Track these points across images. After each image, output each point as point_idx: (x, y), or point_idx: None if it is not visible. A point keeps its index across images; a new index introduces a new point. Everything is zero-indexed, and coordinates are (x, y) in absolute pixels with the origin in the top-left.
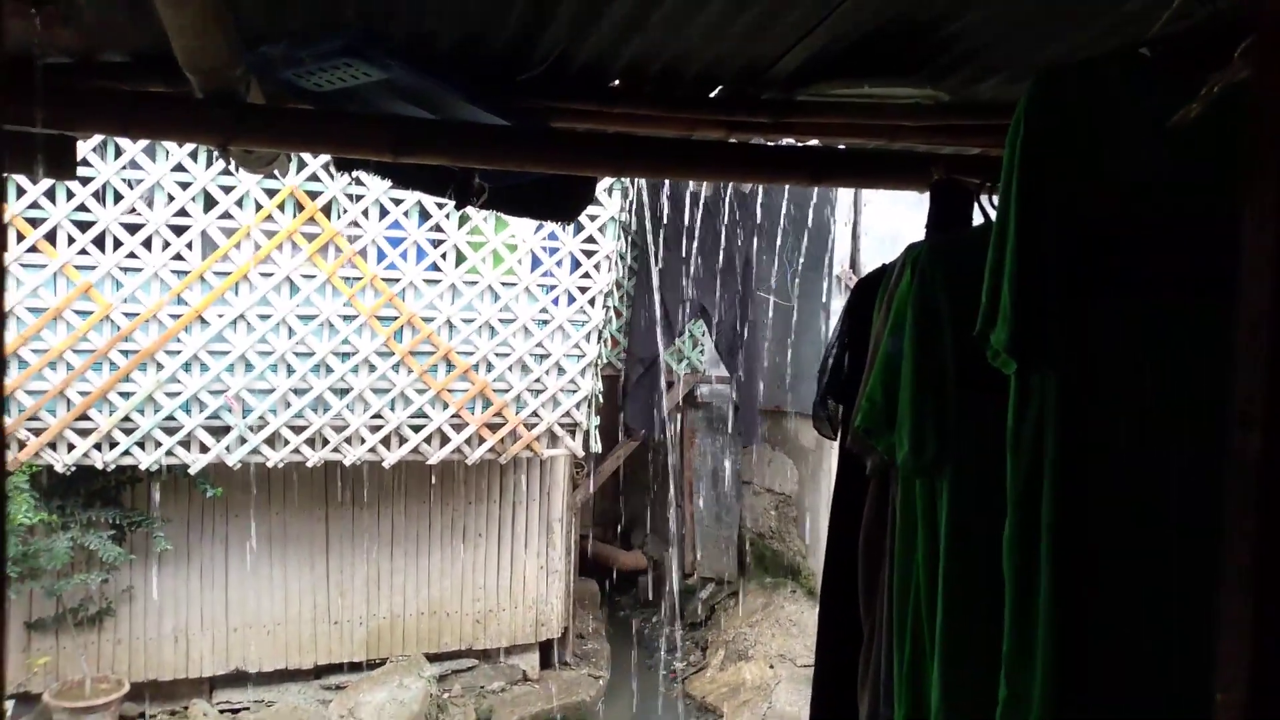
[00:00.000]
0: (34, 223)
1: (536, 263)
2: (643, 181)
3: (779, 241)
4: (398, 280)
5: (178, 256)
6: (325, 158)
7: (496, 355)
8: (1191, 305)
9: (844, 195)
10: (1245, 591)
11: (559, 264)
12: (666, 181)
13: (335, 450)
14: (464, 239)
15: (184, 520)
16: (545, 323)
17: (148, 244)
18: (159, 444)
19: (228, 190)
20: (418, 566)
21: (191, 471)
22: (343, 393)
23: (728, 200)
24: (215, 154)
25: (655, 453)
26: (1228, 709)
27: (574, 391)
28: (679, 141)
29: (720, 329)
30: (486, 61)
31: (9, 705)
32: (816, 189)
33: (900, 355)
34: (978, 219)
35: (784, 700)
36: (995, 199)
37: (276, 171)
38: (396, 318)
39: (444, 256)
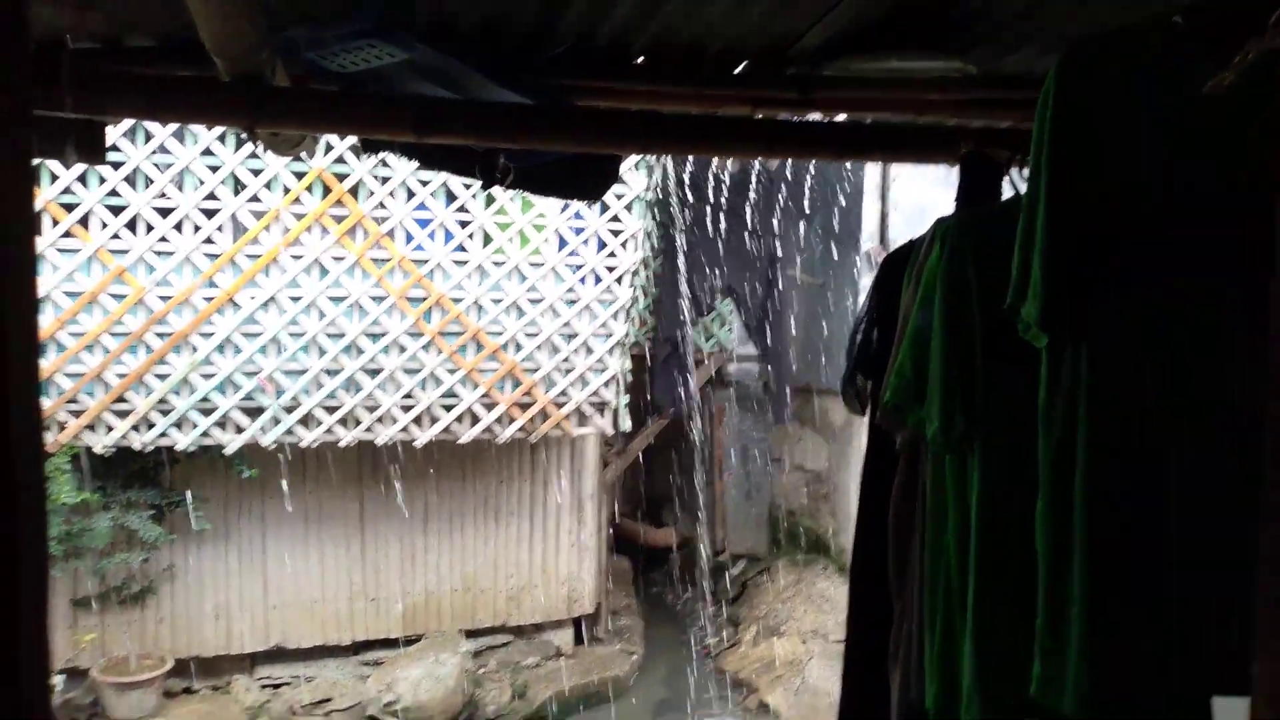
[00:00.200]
0: (68, 208)
1: (563, 243)
2: (669, 159)
3: (807, 218)
4: (426, 261)
5: (208, 240)
6: (352, 139)
7: (525, 335)
8: (1227, 275)
9: (872, 170)
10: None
11: (585, 243)
12: (692, 159)
13: (368, 430)
14: (491, 220)
15: (221, 500)
16: (573, 302)
17: (179, 227)
18: (195, 425)
19: (256, 173)
20: (451, 544)
21: (227, 452)
22: (374, 373)
23: (755, 177)
24: (243, 137)
25: (684, 431)
26: (1266, 680)
27: (602, 370)
28: (703, 118)
29: (748, 307)
30: (509, 41)
31: (59, 679)
32: (844, 164)
33: (929, 329)
34: (1008, 192)
35: (817, 676)
36: (1025, 172)
37: (303, 154)
38: (425, 298)
39: (471, 237)
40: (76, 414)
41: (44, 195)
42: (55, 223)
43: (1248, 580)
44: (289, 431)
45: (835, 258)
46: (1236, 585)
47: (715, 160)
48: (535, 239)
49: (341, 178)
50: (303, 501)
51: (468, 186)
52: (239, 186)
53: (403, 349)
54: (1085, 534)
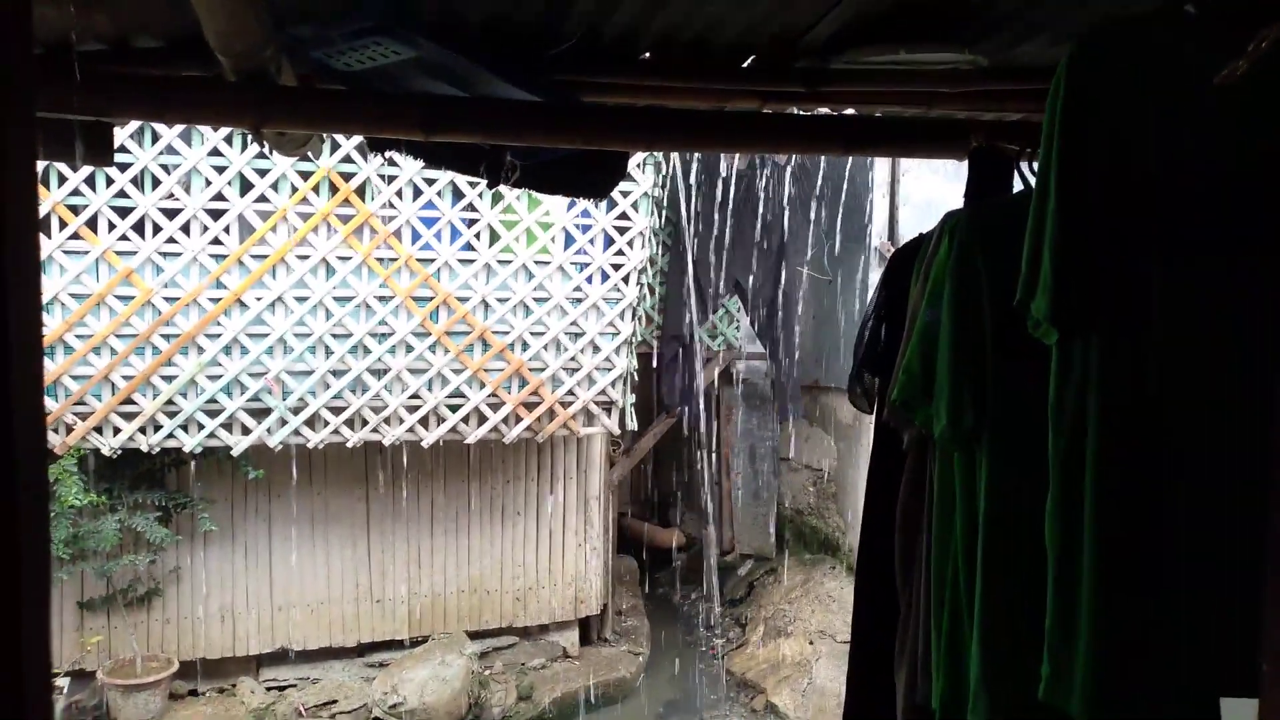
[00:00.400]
0: (75, 210)
1: (570, 240)
2: (676, 156)
3: (815, 213)
4: (432, 260)
5: (216, 240)
6: (358, 139)
7: (532, 334)
8: (1237, 269)
9: (881, 164)
10: None
11: (592, 241)
12: (699, 155)
13: (374, 431)
14: (497, 218)
15: (228, 501)
16: (579, 301)
17: (186, 229)
18: (201, 426)
19: (263, 174)
20: (458, 545)
21: (234, 453)
22: (381, 373)
23: (762, 173)
24: (249, 137)
25: (692, 430)
26: (1274, 679)
27: (609, 369)
28: (711, 113)
29: (756, 304)
30: (515, 37)
31: (64, 682)
32: (852, 159)
33: (938, 325)
34: (1018, 186)
35: (824, 676)
36: (1035, 165)
37: (310, 153)
38: (432, 298)
39: (478, 236)
40: (83, 416)
41: (52, 197)
42: (63, 225)
43: (1257, 579)
44: (296, 432)
45: (844, 254)
46: (1246, 584)
47: (723, 156)
48: (542, 237)
49: (348, 177)
50: (309, 503)
51: (474, 185)
52: (246, 187)
53: (409, 349)
54: (1095, 531)
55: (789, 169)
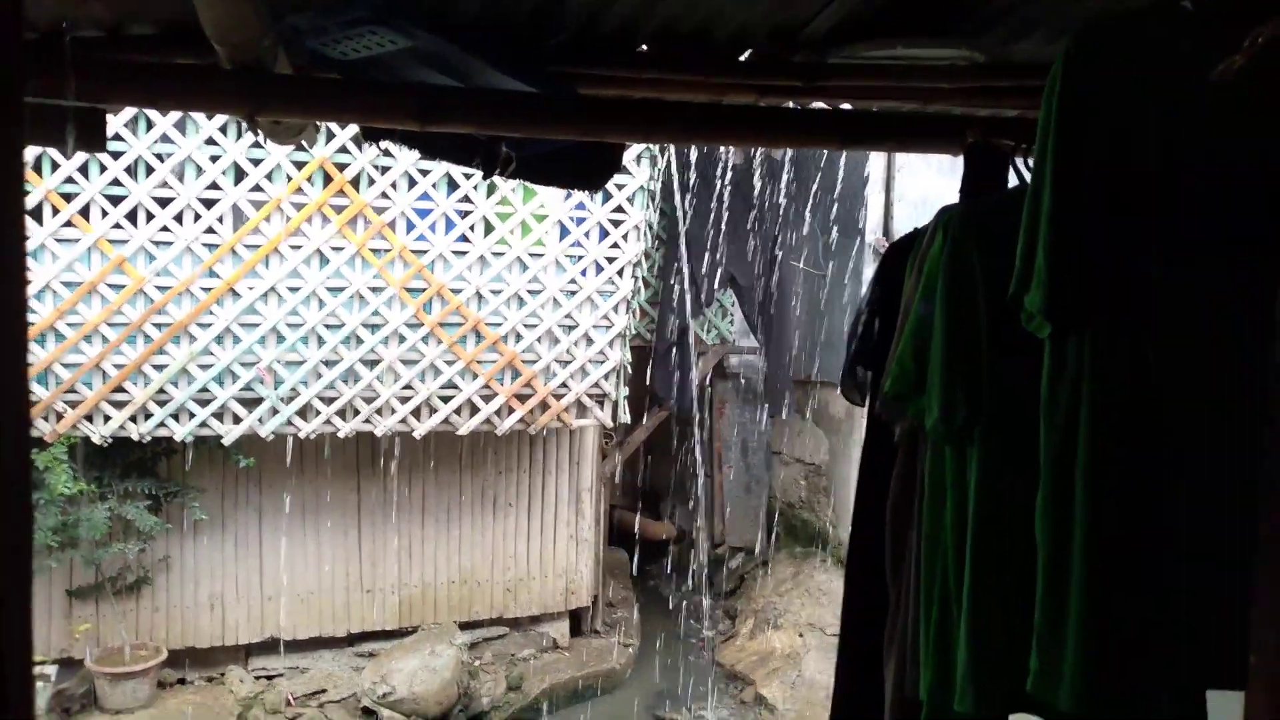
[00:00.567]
0: (68, 198)
1: (565, 233)
2: (672, 150)
3: (810, 208)
4: (426, 252)
5: (209, 229)
6: (353, 129)
7: (525, 326)
8: (1231, 265)
9: (877, 160)
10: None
11: (587, 234)
12: (695, 149)
13: (366, 421)
14: (492, 210)
15: (218, 491)
16: (574, 293)
17: (179, 217)
18: (193, 415)
19: (257, 163)
20: (449, 536)
21: (225, 442)
22: (373, 364)
23: (758, 168)
24: (244, 126)
25: (684, 423)
26: (1261, 672)
27: (603, 362)
28: (708, 106)
29: (750, 298)
30: (512, 27)
31: (52, 669)
32: (848, 155)
33: (931, 320)
34: (1013, 182)
35: (813, 668)
36: (1031, 161)
37: (305, 143)
38: (426, 289)
39: (472, 228)
40: (74, 404)
41: (44, 185)
42: (55, 212)
43: (1246, 575)
44: (287, 422)
45: (838, 249)
46: (1235, 579)
47: (719, 150)
48: (537, 229)
49: (343, 167)
50: (300, 492)
51: (469, 176)
52: (240, 176)
53: (402, 340)
54: (1086, 527)
55: (785, 164)
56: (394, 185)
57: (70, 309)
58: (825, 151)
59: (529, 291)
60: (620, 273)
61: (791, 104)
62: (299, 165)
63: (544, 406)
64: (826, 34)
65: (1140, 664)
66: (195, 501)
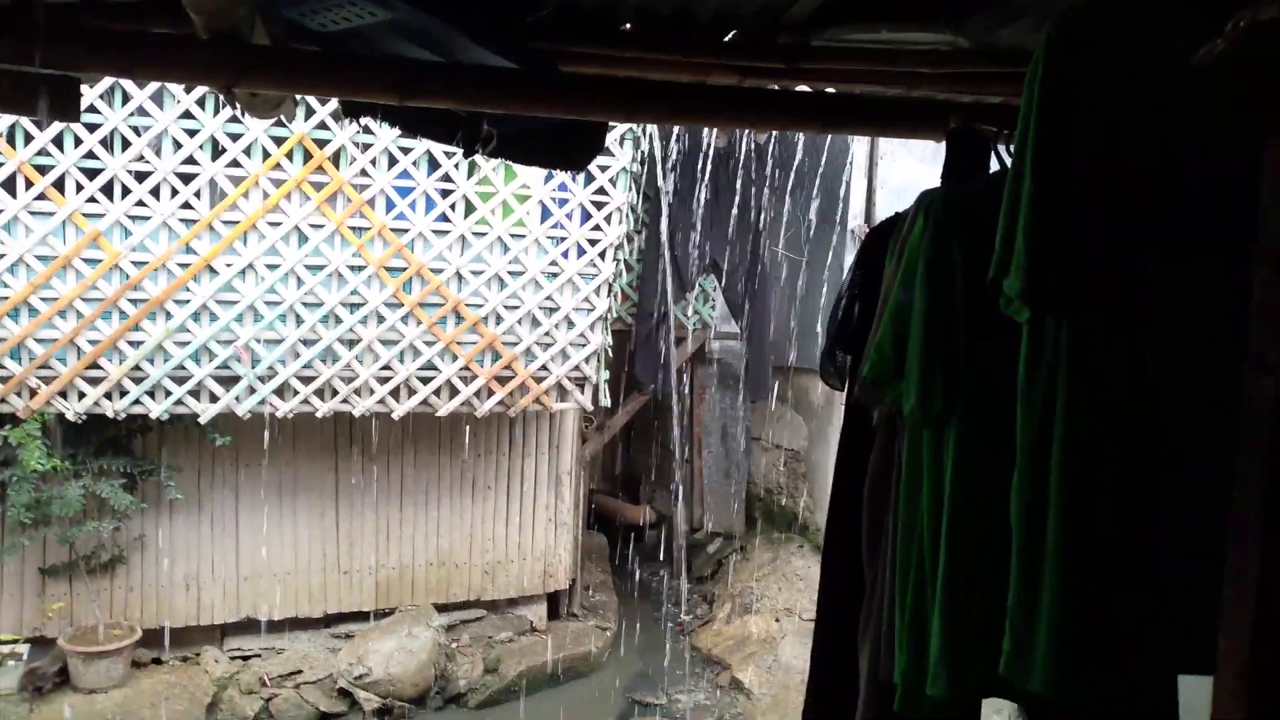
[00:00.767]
0: (42, 170)
1: (546, 214)
2: (655, 132)
3: (793, 194)
4: (406, 231)
5: (186, 205)
6: (333, 105)
7: (506, 308)
8: (1209, 252)
9: (860, 147)
10: (1252, 539)
11: (569, 216)
12: (678, 132)
13: (344, 401)
14: (473, 189)
15: (194, 469)
16: (555, 276)
17: (156, 192)
18: (169, 393)
19: (236, 138)
20: (427, 518)
21: (201, 421)
22: (352, 344)
23: (741, 153)
24: (223, 101)
25: (664, 408)
26: (1231, 656)
27: (584, 345)
28: (690, 86)
29: (732, 283)
30: (494, 1)
31: (25, 648)
32: (831, 140)
33: (910, 305)
34: (995, 168)
35: (789, 653)
36: (1013, 147)
37: (283, 117)
38: (405, 269)
39: (453, 207)
40: (48, 380)
41: (18, 156)
42: (29, 185)
43: (1218, 560)
44: (264, 401)
45: (820, 235)
46: (1208, 564)
47: (702, 133)
48: (518, 210)
49: (322, 144)
50: (277, 472)
51: (450, 155)
52: (218, 151)
53: (381, 319)
54: (1060, 510)
55: (768, 149)
56: (374, 163)
57: (44, 283)
58: (808, 137)
59: (510, 273)
60: (602, 255)
61: (774, 86)
62: (278, 141)
63: (524, 389)
64: (810, 16)
65: (1112, 647)
66: (171, 480)
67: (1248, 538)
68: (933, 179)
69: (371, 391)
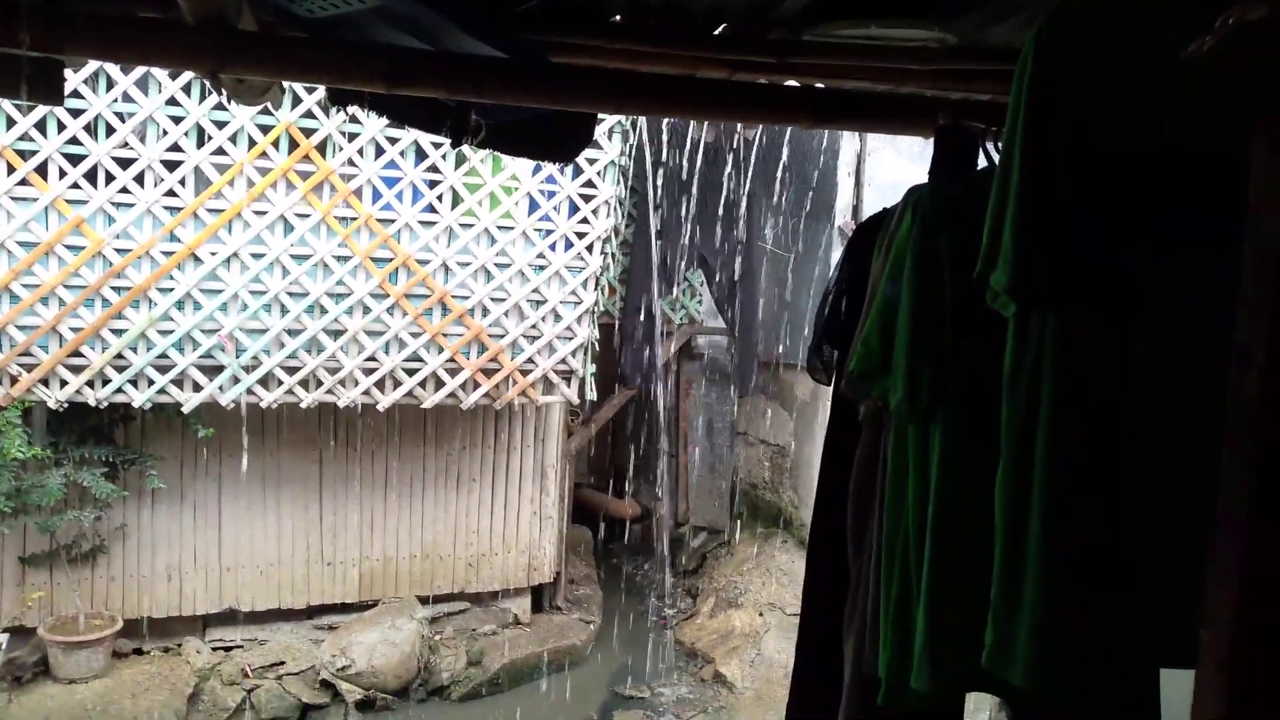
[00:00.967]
0: (24, 155)
1: (534, 206)
2: (644, 126)
3: (780, 191)
4: (393, 221)
5: (170, 192)
6: (320, 93)
7: (493, 300)
8: (1199, 250)
9: (847, 145)
10: (1235, 534)
11: (557, 208)
12: (667, 126)
13: (329, 392)
14: (461, 180)
15: (177, 459)
16: (542, 268)
17: (140, 179)
18: (152, 382)
19: (221, 126)
20: (411, 510)
21: (184, 410)
22: (337, 334)
23: (730, 148)
24: (208, 87)
25: (650, 402)
26: (1213, 648)
27: (570, 339)
28: (680, 79)
29: (719, 279)
30: None
31: (4, 638)
32: (820, 137)
33: (898, 300)
34: (983, 165)
35: (773, 647)
36: (1001, 144)
37: (270, 104)
38: (391, 259)
39: (440, 198)
40: (29, 368)
41: (0, 140)
42: (11, 170)
43: (1200, 555)
44: (248, 391)
45: (807, 232)
46: (1189, 558)
47: (691, 128)
48: (506, 201)
49: (309, 133)
50: (260, 463)
51: (438, 146)
52: (203, 139)
53: (367, 310)
54: (1043, 504)
55: (756, 145)
56: (361, 152)
57: (26, 270)
58: (796, 134)
59: (497, 265)
60: (589, 248)
61: (764, 80)
62: (264, 129)
63: (510, 382)
64: (801, 11)
65: (1094, 641)
66: (153, 470)
67: (1230, 532)
68: (919, 176)
69: (356, 383)
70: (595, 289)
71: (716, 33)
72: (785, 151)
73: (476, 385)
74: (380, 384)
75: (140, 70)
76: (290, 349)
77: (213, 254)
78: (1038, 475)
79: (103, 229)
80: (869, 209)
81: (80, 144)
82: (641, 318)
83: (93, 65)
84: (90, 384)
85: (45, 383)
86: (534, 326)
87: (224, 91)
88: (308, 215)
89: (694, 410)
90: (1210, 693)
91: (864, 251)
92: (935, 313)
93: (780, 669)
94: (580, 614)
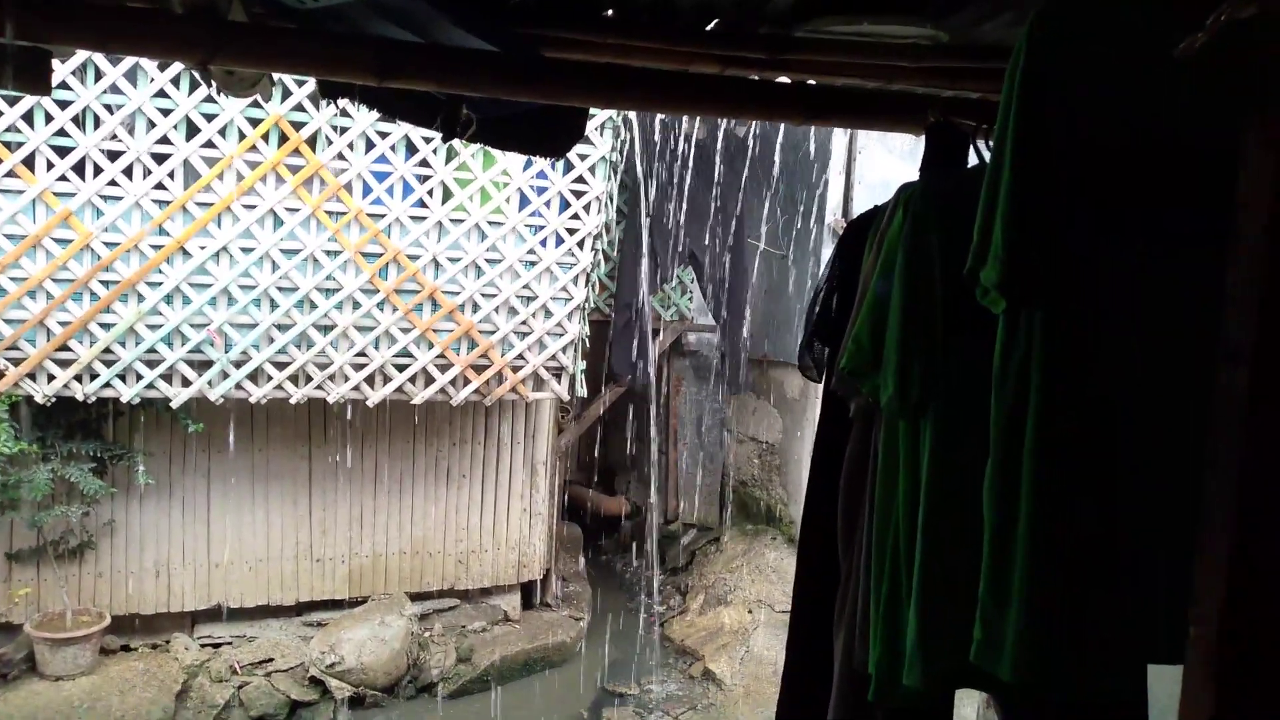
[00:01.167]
0: (11, 146)
1: (525, 202)
2: (635, 122)
3: (771, 189)
4: (383, 216)
5: (159, 185)
6: (310, 86)
7: (483, 296)
8: (1185, 245)
9: (838, 143)
10: (1222, 529)
11: (548, 204)
12: (658, 123)
13: (319, 388)
14: (451, 175)
15: (165, 454)
16: (533, 264)
17: (129, 172)
18: (140, 376)
19: (211, 119)
20: (401, 506)
21: (173, 405)
22: (326, 329)
23: (721, 145)
24: (198, 80)
25: (640, 399)
26: (1200, 646)
27: (561, 335)
28: (671, 74)
29: (709, 276)
30: None
31: None
32: (811, 135)
33: (889, 297)
34: (974, 162)
35: (762, 644)
36: (992, 141)
37: (259, 97)
38: (381, 254)
39: (430, 193)
40: (16, 362)
41: None
42: None
43: (1187, 551)
44: (237, 386)
45: (798, 230)
46: (1178, 554)
47: (683, 125)
48: (496, 197)
49: (299, 126)
50: (249, 458)
51: (428, 140)
52: (193, 131)
53: (357, 305)
54: (1032, 499)
55: (748, 142)
56: (351, 146)
57: (13, 263)
58: (788, 132)
59: (487, 260)
60: (580, 245)
61: (755, 76)
62: (254, 123)
63: (500, 378)
64: (793, 6)
65: (1081, 637)
66: (141, 465)
67: (1218, 527)
68: (909, 174)
69: (346, 378)
70: (586, 285)
71: (708, 28)
72: (777, 149)
73: (466, 381)
74: (370, 379)
75: (129, 62)
76: (280, 344)
77: (202, 248)
78: (1025, 472)
79: (91, 222)
80: (859, 206)
81: (68, 136)
82: (632, 314)
83: (81, 56)
84: (78, 378)
85: (32, 377)
86: (524, 322)
87: (214, 83)
88: (297, 209)
89: (684, 407)
90: (1197, 689)
91: (855, 249)
92: (926, 309)
93: (769, 666)
94: (570, 611)
